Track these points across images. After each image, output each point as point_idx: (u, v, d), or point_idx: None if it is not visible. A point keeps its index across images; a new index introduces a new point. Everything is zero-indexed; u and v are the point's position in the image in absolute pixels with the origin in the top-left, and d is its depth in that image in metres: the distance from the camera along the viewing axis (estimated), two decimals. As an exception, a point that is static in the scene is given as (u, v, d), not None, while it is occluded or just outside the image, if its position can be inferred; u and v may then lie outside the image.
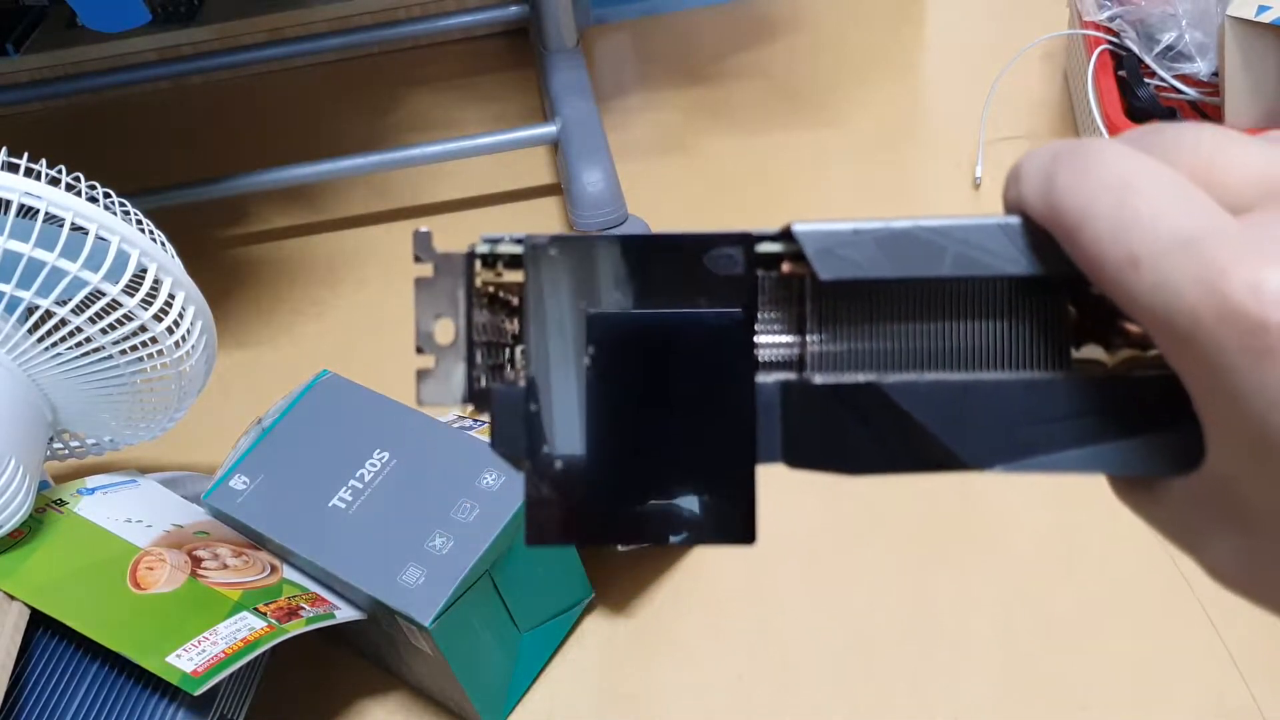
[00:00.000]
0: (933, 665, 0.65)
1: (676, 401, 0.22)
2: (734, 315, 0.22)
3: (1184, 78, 0.83)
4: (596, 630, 0.68)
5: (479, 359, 0.23)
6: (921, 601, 0.68)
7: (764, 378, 0.22)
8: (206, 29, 1.19)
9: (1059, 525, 0.70)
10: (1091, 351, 0.22)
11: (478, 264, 0.23)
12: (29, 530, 0.58)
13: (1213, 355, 0.18)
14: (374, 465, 0.61)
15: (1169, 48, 0.83)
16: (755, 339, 0.22)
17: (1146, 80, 0.83)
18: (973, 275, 0.21)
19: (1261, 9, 0.73)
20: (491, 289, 0.23)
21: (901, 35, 1.15)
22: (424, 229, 0.22)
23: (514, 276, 0.23)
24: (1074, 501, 0.71)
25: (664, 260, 0.22)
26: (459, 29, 1.18)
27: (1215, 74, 0.80)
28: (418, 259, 0.22)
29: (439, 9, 1.19)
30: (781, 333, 0.23)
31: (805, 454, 0.22)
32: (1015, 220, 0.21)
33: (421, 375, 0.22)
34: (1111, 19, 0.87)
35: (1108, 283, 0.19)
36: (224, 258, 1.00)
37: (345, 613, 0.59)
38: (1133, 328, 0.22)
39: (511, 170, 1.04)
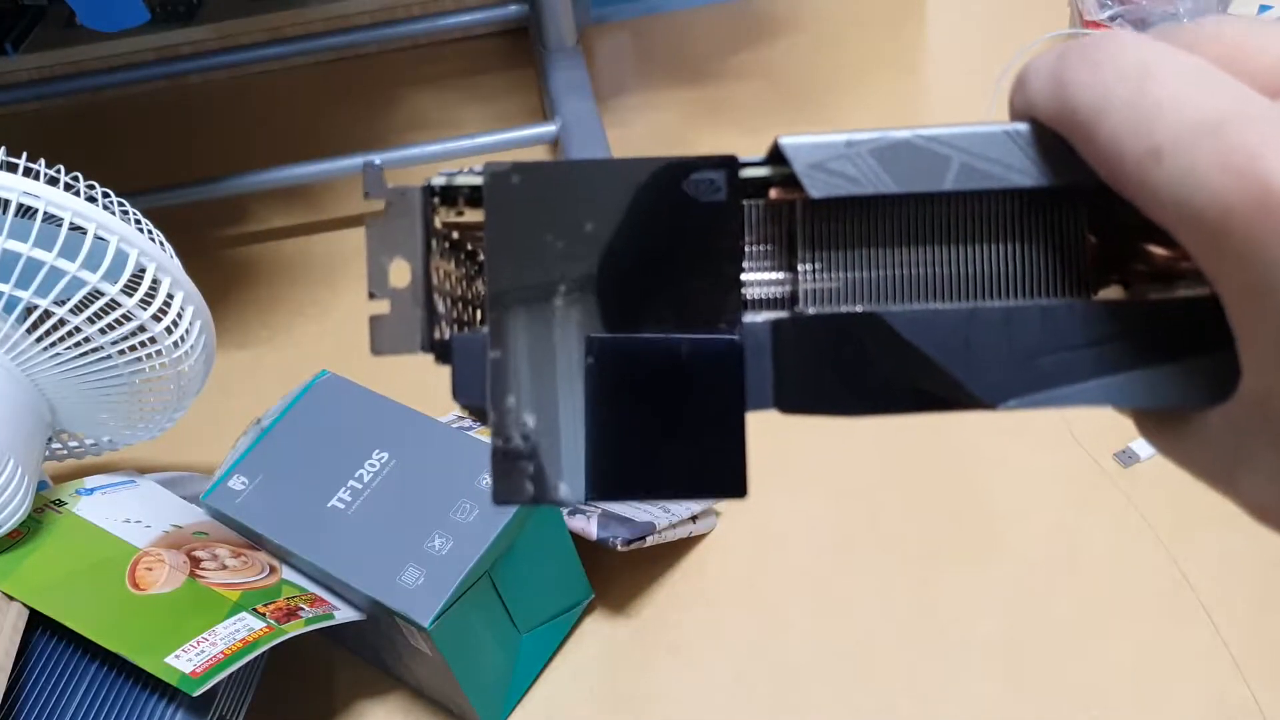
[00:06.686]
0: (933, 666, 0.65)
1: (658, 351, 0.20)
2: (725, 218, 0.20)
3: (1185, 77, 0.83)
4: (596, 631, 0.68)
5: (440, 308, 0.21)
6: (922, 602, 0.68)
7: (753, 317, 0.21)
8: (205, 28, 1.19)
9: (1060, 526, 0.70)
10: (1112, 292, 0.21)
11: (435, 200, 0.21)
12: (28, 531, 0.58)
13: (1246, 248, 0.16)
14: (373, 466, 0.61)
15: (1170, 47, 0.83)
16: (743, 276, 0.21)
17: (1147, 80, 0.83)
18: (980, 189, 0.20)
19: (1263, 8, 0.73)
20: (453, 232, 0.21)
21: (902, 35, 1.15)
22: (376, 161, 0.21)
23: (476, 216, 0.21)
24: (1075, 502, 0.71)
25: (641, 187, 0.20)
26: (458, 28, 1.17)
27: (1216, 73, 0.80)
28: (368, 195, 0.21)
29: (438, 8, 1.19)
30: (771, 269, 0.21)
31: (800, 398, 0.20)
32: (1024, 126, 0.20)
33: (375, 322, 0.20)
34: (1113, 18, 0.87)
35: (1129, 181, 0.18)
36: (223, 257, 1.00)
37: (344, 613, 0.59)
38: (1157, 252, 0.20)
39: (511, 170, 1.03)
